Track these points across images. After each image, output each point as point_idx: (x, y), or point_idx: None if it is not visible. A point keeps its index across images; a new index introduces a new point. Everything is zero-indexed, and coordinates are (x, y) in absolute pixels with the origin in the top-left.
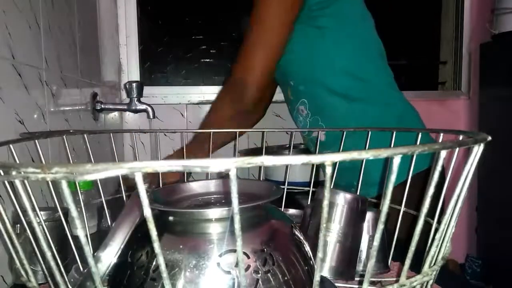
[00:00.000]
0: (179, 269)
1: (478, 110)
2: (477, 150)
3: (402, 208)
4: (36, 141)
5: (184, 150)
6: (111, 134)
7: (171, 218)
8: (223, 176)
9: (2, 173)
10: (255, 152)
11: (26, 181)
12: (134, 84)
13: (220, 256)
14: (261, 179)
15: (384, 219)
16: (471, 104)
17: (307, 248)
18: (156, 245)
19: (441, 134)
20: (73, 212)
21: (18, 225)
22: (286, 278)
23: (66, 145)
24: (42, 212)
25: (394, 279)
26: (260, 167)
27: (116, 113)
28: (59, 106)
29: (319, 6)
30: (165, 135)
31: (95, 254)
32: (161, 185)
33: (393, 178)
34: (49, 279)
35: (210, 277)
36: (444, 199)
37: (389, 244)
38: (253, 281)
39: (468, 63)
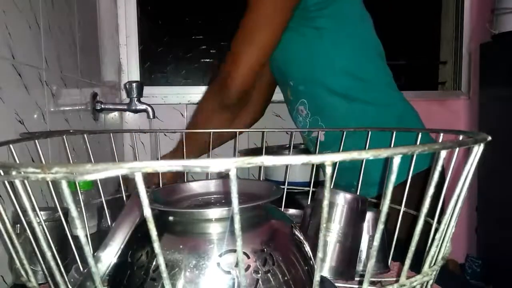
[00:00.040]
0: (179, 269)
1: (478, 110)
2: (477, 150)
3: (402, 208)
4: (36, 141)
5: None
6: (111, 134)
7: (171, 218)
8: (223, 176)
9: (2, 173)
10: (255, 152)
11: (26, 181)
12: (134, 84)
13: (220, 256)
14: (261, 179)
15: (384, 219)
16: (471, 104)
17: (307, 248)
18: (156, 245)
19: (441, 134)
20: (73, 212)
21: (18, 225)
22: (286, 278)
23: (66, 145)
24: (42, 212)
25: (394, 279)
26: (260, 167)
27: (116, 113)
28: (59, 106)
29: (318, 7)
30: (165, 135)
31: (95, 254)
32: (161, 185)
33: (393, 178)
34: (49, 279)
35: (210, 277)
36: (444, 199)
37: (389, 244)
38: (253, 281)
39: (468, 63)
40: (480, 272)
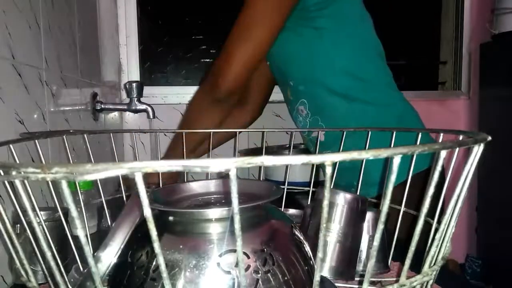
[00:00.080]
0: (179, 269)
1: (478, 110)
2: (477, 150)
3: (402, 208)
4: (36, 141)
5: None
6: (111, 134)
7: (171, 218)
8: (223, 176)
9: (2, 173)
10: (255, 152)
11: (26, 181)
12: (134, 84)
13: (220, 256)
14: (261, 179)
15: (384, 219)
16: (471, 104)
17: (307, 248)
18: (156, 245)
19: (441, 134)
20: (73, 212)
21: (18, 225)
22: (286, 278)
23: (66, 145)
24: (42, 212)
25: (394, 279)
26: (260, 167)
27: (116, 113)
28: (59, 106)
29: (317, 7)
30: (165, 135)
31: (95, 254)
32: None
33: (393, 178)
34: (49, 279)
35: (210, 277)
36: (444, 199)
37: (389, 244)
38: (253, 281)
39: (468, 63)
40: (480, 272)
